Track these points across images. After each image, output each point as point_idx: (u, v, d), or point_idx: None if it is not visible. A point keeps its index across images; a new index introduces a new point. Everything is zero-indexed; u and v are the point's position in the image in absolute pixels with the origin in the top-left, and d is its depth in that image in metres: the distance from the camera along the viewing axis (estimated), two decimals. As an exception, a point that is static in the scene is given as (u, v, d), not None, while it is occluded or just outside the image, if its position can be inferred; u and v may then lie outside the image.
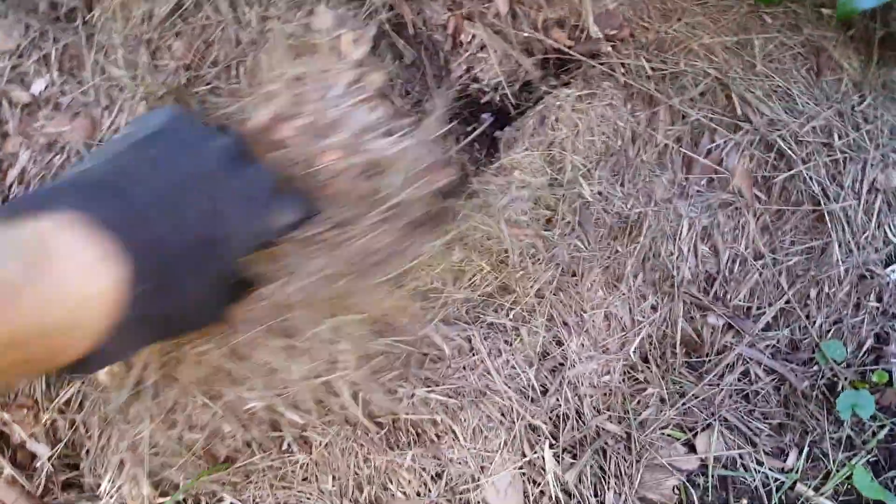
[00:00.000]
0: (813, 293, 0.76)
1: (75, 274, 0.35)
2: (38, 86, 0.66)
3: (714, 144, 0.74)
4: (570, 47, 0.84)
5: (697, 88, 0.75)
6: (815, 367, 0.75)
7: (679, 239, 0.71)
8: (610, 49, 0.82)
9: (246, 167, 0.50)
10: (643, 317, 0.70)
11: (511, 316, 0.66)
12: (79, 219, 0.36)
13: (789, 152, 0.75)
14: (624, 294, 0.70)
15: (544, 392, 0.66)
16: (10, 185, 0.65)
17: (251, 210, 0.48)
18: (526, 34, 0.84)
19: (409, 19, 0.86)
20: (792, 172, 0.74)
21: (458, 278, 0.65)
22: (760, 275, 0.73)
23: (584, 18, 0.84)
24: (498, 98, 0.87)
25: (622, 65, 0.79)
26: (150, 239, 0.39)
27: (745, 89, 0.75)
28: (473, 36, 0.85)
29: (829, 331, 0.76)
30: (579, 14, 0.85)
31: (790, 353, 0.75)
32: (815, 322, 0.76)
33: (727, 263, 0.71)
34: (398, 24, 0.86)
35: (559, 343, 0.67)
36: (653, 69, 0.76)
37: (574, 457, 0.64)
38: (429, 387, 0.61)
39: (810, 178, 0.75)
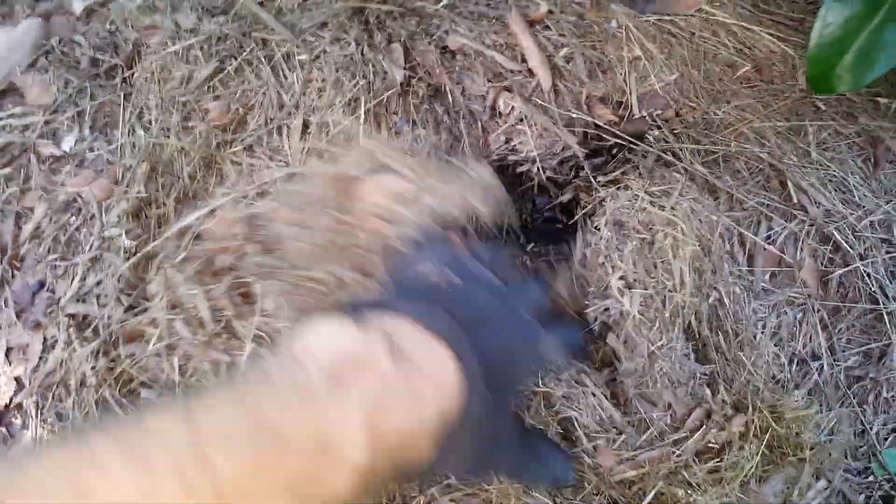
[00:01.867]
0: (871, 398, 0.71)
1: (438, 376, 0.37)
2: (67, 142, 0.64)
3: (772, 232, 0.70)
4: (614, 124, 0.82)
5: (751, 173, 0.72)
6: (871, 478, 0.69)
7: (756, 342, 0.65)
8: (656, 132, 0.80)
9: (520, 289, 0.52)
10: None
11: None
12: (420, 327, 0.38)
13: (846, 245, 0.70)
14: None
15: None
16: (24, 241, 0.62)
17: (532, 343, 0.49)
18: (571, 113, 0.81)
19: (448, 88, 0.84)
20: (849, 268, 0.70)
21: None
22: (819, 375, 0.68)
23: (627, 97, 0.82)
24: (536, 172, 0.85)
25: (672, 150, 0.76)
26: (473, 352, 0.40)
27: (801, 177, 0.72)
28: (513, 108, 0.83)
29: (886, 438, 0.70)
30: (623, 91, 0.83)
31: (845, 462, 0.69)
32: (872, 428, 0.70)
33: (786, 364, 0.66)
34: (436, 93, 0.85)
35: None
36: (706, 151, 0.73)
37: None
38: None
39: (868, 274, 0.70)
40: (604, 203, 0.69)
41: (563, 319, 0.61)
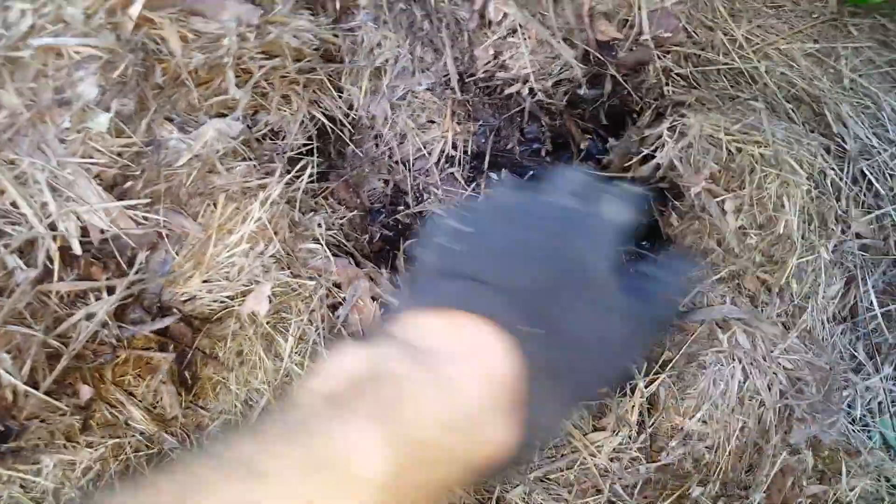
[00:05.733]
0: None
1: (466, 344, 0.33)
2: None
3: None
4: (616, 44, 0.71)
5: (782, 95, 0.62)
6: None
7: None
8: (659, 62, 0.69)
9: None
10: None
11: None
12: (431, 310, 0.35)
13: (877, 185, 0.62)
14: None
15: None
16: None
17: (585, 217, 0.41)
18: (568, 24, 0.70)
19: (430, -11, 0.71)
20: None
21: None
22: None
23: (635, 13, 0.71)
24: (528, 94, 0.73)
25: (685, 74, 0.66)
26: (509, 292, 0.36)
27: (835, 105, 0.63)
28: (505, 15, 0.71)
29: None
30: (630, 6, 0.72)
31: None
32: None
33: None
34: (416, -6, 0.72)
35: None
36: (726, 72, 0.63)
37: None
38: None
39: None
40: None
41: None
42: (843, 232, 0.55)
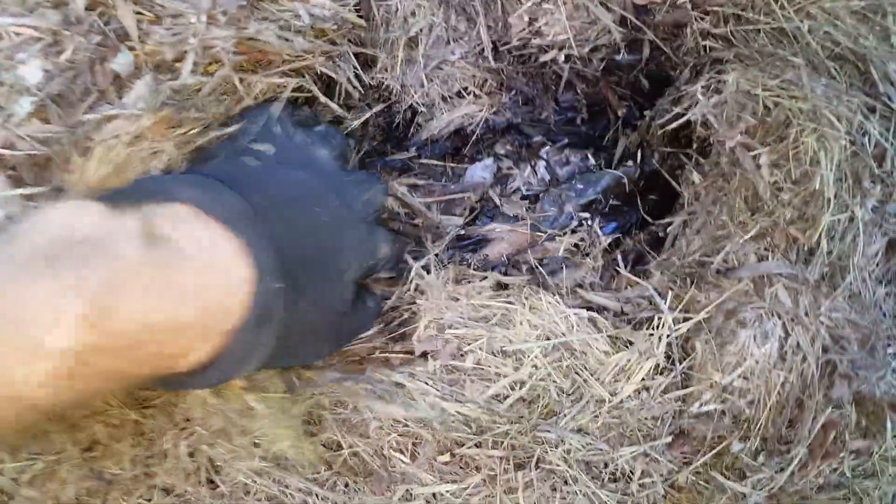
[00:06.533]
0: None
1: (209, 266, 0.32)
2: None
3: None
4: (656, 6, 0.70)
5: (825, 55, 0.61)
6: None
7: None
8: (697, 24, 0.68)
9: (356, 180, 0.51)
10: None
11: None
12: (199, 212, 0.34)
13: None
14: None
15: None
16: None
17: (361, 230, 0.47)
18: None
19: (462, -44, 0.72)
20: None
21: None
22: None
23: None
24: (563, 60, 0.73)
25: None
26: (270, 237, 0.36)
27: (882, 64, 0.61)
28: (540, -20, 0.71)
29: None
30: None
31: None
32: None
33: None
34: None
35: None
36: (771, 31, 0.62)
37: None
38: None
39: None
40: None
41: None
42: (882, 192, 0.53)
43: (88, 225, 0.30)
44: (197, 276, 0.32)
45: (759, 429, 0.49)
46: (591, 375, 0.48)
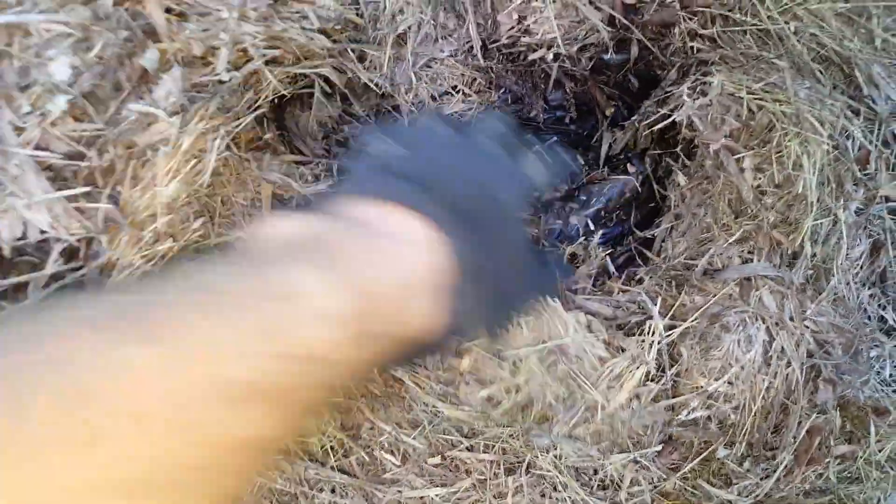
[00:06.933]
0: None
1: (402, 236, 0.35)
2: None
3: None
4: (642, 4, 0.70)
5: (811, 56, 0.61)
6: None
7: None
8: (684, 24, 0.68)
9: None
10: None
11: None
12: (377, 199, 0.36)
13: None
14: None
15: None
16: None
17: (506, 164, 0.48)
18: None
19: (452, -46, 0.71)
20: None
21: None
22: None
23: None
24: (552, 60, 0.73)
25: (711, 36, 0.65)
26: (439, 201, 0.38)
27: (867, 66, 0.61)
28: (529, -21, 0.71)
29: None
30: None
31: None
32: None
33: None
34: (438, -41, 0.72)
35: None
36: (758, 33, 0.62)
37: None
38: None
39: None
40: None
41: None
42: (864, 195, 0.54)
43: (305, 226, 0.33)
44: (407, 245, 0.34)
45: (745, 434, 0.50)
46: (587, 381, 0.49)
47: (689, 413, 0.49)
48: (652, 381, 0.49)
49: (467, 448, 0.48)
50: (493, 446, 0.47)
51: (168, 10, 0.49)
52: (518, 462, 0.47)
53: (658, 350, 0.49)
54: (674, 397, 0.49)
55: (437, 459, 0.49)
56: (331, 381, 0.29)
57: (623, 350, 0.49)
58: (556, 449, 0.47)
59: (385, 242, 0.34)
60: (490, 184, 0.45)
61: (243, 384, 0.25)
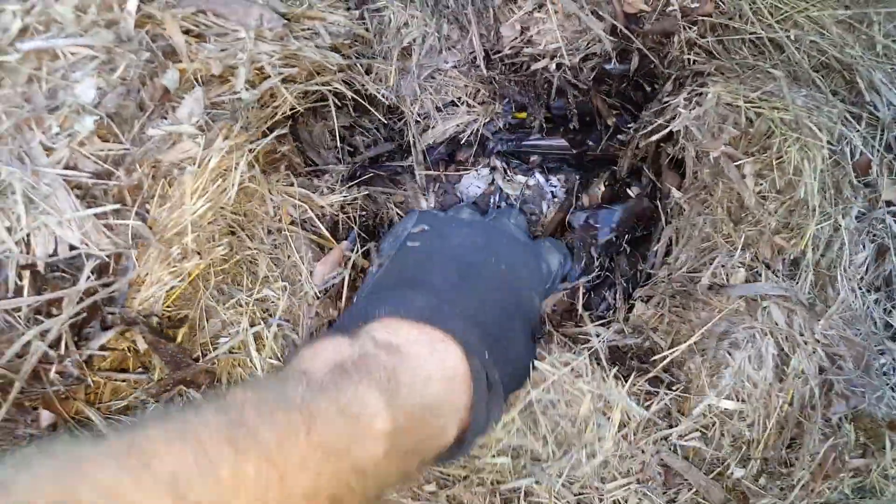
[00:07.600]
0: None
1: (430, 357, 0.39)
2: None
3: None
4: (645, 16, 0.71)
5: (811, 64, 0.61)
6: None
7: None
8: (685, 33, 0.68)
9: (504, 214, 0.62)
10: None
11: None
12: (401, 320, 0.41)
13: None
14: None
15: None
16: None
17: (526, 255, 0.55)
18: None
19: (455, -32, 0.72)
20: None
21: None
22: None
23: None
24: (555, 69, 0.74)
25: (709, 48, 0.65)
26: (461, 314, 0.44)
27: (868, 72, 0.62)
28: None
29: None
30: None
31: None
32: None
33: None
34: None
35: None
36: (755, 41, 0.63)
37: None
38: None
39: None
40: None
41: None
42: (864, 200, 0.54)
43: (346, 351, 0.37)
44: (431, 368, 0.39)
45: (759, 451, 0.49)
46: (573, 426, 0.48)
47: (689, 436, 0.48)
48: (655, 404, 0.49)
49: (462, 478, 0.48)
50: (488, 479, 0.48)
51: (187, 32, 0.51)
52: (514, 493, 0.48)
53: (665, 369, 0.49)
54: (675, 426, 0.49)
55: (433, 487, 0.49)
56: (375, 491, 0.33)
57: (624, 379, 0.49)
58: (554, 484, 0.47)
59: (422, 371, 0.38)
60: (517, 276, 0.51)
61: (305, 493, 0.29)
